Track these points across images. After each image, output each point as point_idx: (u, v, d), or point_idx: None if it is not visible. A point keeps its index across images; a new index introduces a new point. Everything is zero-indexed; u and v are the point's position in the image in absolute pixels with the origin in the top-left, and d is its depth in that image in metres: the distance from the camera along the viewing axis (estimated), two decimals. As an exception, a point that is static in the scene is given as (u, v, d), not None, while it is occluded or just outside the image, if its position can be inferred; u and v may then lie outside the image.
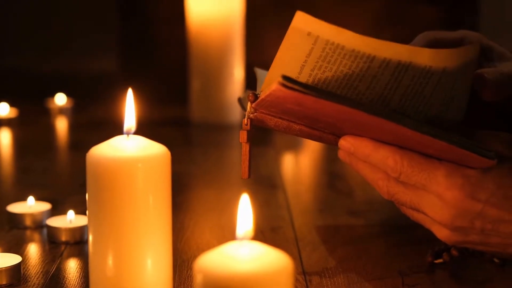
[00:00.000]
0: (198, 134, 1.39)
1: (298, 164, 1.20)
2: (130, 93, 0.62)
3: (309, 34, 0.59)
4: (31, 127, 1.43)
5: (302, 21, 0.58)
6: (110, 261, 0.59)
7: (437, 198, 0.60)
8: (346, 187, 1.02)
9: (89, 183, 0.59)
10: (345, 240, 0.79)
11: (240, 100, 0.74)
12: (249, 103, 0.65)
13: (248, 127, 0.66)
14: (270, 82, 0.62)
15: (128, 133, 0.60)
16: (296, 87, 0.57)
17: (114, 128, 0.60)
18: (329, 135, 0.65)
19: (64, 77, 1.89)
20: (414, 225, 0.79)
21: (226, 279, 0.46)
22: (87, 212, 0.60)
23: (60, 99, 1.52)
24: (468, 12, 1.71)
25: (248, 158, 0.67)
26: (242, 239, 0.49)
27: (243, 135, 0.66)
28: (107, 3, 1.86)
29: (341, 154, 0.65)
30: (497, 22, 1.74)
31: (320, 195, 1.01)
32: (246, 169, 0.67)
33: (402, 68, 0.59)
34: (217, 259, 0.47)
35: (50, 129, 1.44)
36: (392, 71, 0.59)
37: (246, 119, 0.66)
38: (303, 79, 0.61)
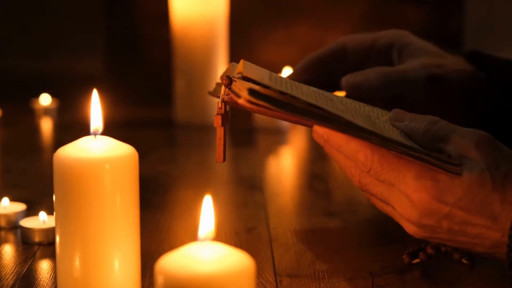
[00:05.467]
0: (181, 135, 1.39)
1: (280, 165, 1.20)
2: (95, 94, 0.61)
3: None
4: (15, 128, 1.43)
5: (249, 68, 0.58)
6: (77, 262, 0.59)
7: (405, 197, 0.60)
8: (324, 188, 1.02)
9: (56, 184, 0.59)
10: (319, 241, 0.79)
11: (211, 93, 0.73)
12: (223, 87, 0.64)
13: (223, 110, 0.65)
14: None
15: (95, 134, 0.60)
16: (262, 103, 0.57)
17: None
18: None
19: (49, 78, 1.88)
20: (389, 227, 0.79)
21: (187, 281, 0.46)
22: (54, 213, 0.60)
23: (45, 100, 1.52)
24: (454, 11, 1.71)
25: (223, 142, 0.66)
26: (203, 240, 0.49)
27: (217, 119, 0.65)
28: (93, 4, 1.85)
29: (315, 136, 0.64)
30: (483, 21, 1.74)
31: (298, 196, 1.01)
32: (221, 153, 0.67)
33: (366, 105, 0.60)
34: (178, 260, 0.47)
35: (34, 129, 1.44)
36: (354, 104, 0.60)
37: (220, 102, 0.65)
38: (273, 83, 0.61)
